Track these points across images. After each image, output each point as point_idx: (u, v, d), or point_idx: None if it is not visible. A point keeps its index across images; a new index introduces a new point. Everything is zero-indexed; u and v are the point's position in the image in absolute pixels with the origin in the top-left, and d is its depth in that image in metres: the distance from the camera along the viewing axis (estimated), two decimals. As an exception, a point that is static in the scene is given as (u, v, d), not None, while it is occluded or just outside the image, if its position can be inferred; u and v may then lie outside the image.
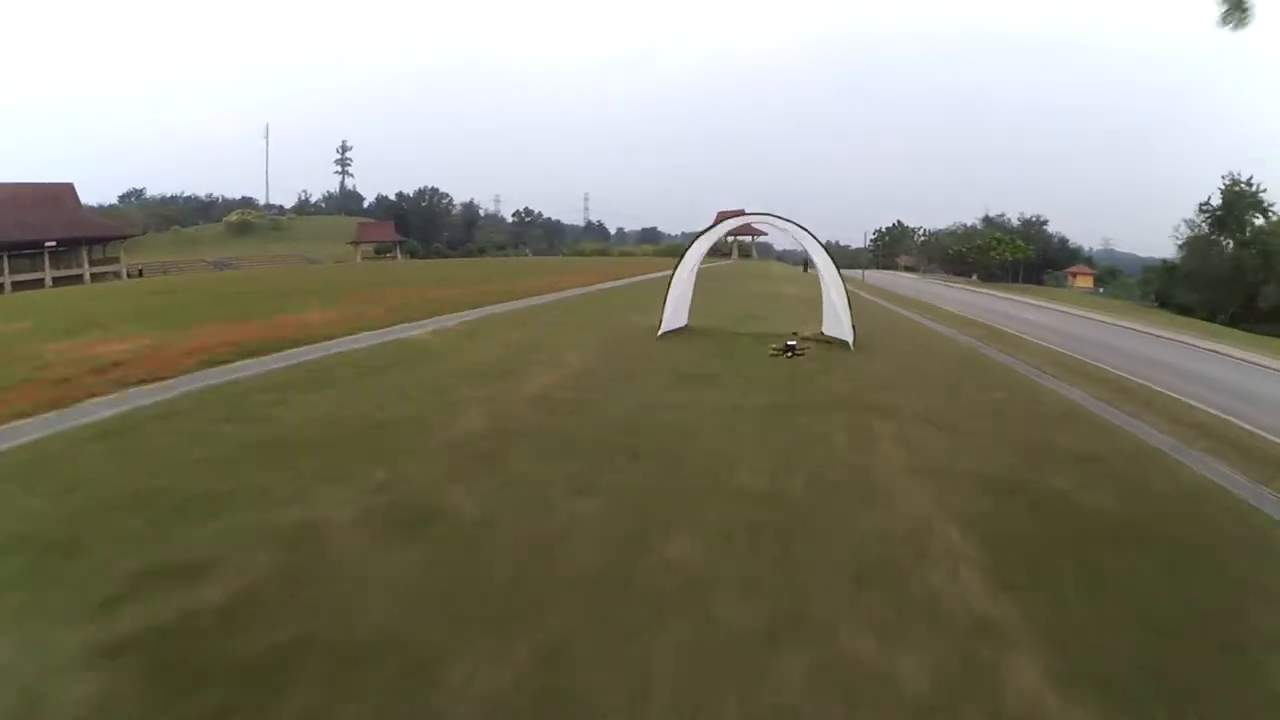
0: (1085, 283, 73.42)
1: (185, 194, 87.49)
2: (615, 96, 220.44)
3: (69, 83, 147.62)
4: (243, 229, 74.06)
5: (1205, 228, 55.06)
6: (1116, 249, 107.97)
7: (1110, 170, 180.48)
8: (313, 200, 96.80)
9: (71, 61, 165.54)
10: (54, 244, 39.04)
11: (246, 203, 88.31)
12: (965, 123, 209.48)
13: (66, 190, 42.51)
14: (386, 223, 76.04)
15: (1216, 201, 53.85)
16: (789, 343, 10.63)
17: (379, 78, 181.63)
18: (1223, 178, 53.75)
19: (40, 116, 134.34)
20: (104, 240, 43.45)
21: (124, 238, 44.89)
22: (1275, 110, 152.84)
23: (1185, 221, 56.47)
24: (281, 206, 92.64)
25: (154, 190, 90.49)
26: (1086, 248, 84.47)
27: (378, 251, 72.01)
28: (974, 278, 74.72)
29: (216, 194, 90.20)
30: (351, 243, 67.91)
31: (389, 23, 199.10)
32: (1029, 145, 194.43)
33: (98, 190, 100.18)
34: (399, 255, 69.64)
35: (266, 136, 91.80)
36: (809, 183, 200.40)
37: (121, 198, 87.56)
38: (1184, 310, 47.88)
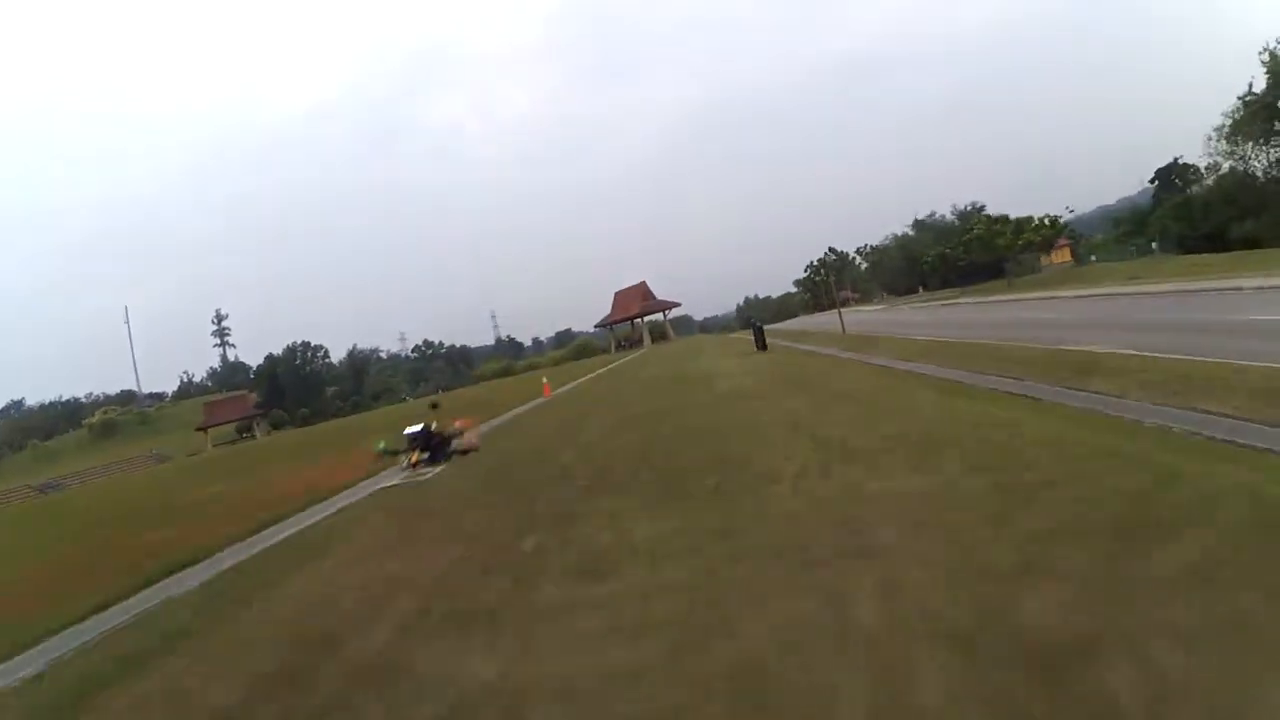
0: (1064, 257, 62.93)
1: (65, 398, 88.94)
2: (508, 203, 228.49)
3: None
4: (107, 430, 74.55)
5: (1231, 132, 42.28)
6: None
7: (994, 147, 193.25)
8: (196, 379, 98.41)
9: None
10: None
11: (126, 397, 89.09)
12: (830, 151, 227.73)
13: None
14: (240, 396, 75.42)
15: (1261, 86, 39.91)
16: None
17: (253, 237, 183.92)
18: (1261, 54, 38.94)
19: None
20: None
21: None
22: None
23: (1215, 130, 43.77)
24: (164, 394, 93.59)
25: (34, 398, 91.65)
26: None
27: (239, 431, 71.86)
28: (920, 291, 66.75)
29: (97, 392, 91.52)
30: (200, 428, 66.12)
31: (250, 171, 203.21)
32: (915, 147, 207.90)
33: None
34: (257, 432, 69.15)
35: (127, 321, 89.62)
36: (719, 243, 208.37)
37: (2, 411, 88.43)
38: (1251, 244, 36.52)
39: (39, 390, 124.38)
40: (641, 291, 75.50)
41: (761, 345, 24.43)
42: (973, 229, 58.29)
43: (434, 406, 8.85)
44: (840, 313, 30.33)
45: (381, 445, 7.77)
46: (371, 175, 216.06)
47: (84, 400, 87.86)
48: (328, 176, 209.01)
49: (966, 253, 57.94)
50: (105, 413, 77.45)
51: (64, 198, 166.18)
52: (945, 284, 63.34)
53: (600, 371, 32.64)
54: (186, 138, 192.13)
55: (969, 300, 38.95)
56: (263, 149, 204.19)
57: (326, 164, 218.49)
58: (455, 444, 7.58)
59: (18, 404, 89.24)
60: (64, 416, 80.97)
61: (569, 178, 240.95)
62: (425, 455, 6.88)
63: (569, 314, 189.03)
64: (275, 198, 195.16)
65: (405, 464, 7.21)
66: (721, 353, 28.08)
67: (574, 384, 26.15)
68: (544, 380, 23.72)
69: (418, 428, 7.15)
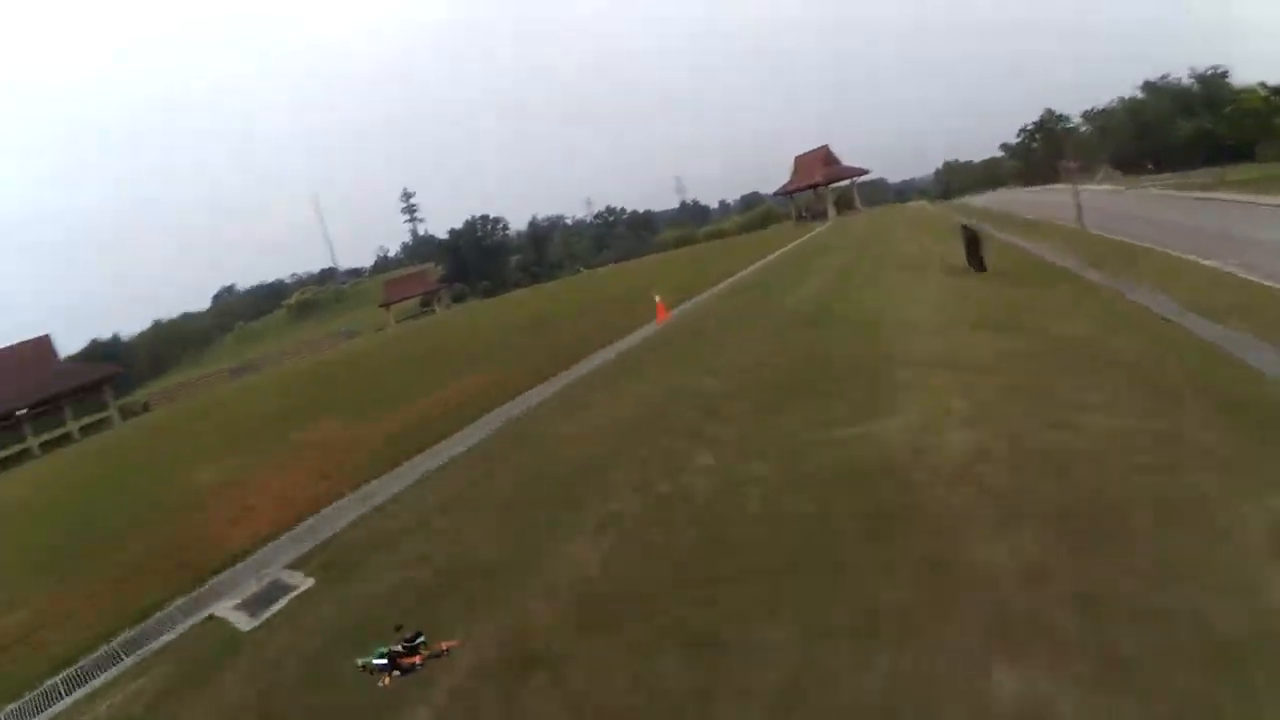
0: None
1: (271, 280, 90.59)
2: (690, 61, 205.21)
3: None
4: (304, 310, 72.85)
5: None
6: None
7: None
8: (391, 254, 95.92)
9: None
10: (25, 410, 37.45)
11: (325, 275, 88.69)
12: None
13: (39, 346, 41.25)
14: (420, 271, 70.28)
15: None
16: None
17: (442, 108, 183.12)
18: None
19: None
20: (95, 386, 41.75)
21: (107, 380, 42.83)
22: None
23: None
24: (361, 270, 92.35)
25: (243, 284, 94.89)
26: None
27: (423, 304, 67.29)
28: (1149, 167, 53.55)
29: (301, 271, 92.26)
30: (383, 305, 62.43)
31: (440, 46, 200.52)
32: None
33: (195, 295, 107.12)
34: (437, 307, 63.87)
35: (317, 208, 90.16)
36: (918, 101, 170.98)
37: (215, 297, 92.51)
38: None
39: (248, 275, 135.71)
40: (823, 157, 62.08)
41: (978, 263, 13.47)
42: (1238, 97, 47.10)
43: (398, 629, 5.34)
44: (1077, 195, 23.23)
45: (360, 662, 5.15)
46: (559, 47, 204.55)
47: (288, 281, 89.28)
48: (515, 51, 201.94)
49: (1234, 128, 45.64)
50: (303, 293, 75.86)
51: (263, 98, 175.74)
52: (1185, 163, 49.34)
53: (751, 269, 25.37)
54: (379, 34, 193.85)
55: (1240, 197, 23.11)
56: (450, 30, 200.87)
57: (512, 37, 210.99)
58: (423, 654, 4.93)
59: (229, 289, 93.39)
60: (269, 297, 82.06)
61: (757, 37, 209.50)
62: (397, 673, 5.00)
63: (758, 177, 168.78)
64: (469, 76, 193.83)
65: (380, 684, 4.93)
66: (919, 262, 17.67)
67: (700, 297, 19.38)
68: (656, 299, 16.69)
69: (383, 661, 5.08)
